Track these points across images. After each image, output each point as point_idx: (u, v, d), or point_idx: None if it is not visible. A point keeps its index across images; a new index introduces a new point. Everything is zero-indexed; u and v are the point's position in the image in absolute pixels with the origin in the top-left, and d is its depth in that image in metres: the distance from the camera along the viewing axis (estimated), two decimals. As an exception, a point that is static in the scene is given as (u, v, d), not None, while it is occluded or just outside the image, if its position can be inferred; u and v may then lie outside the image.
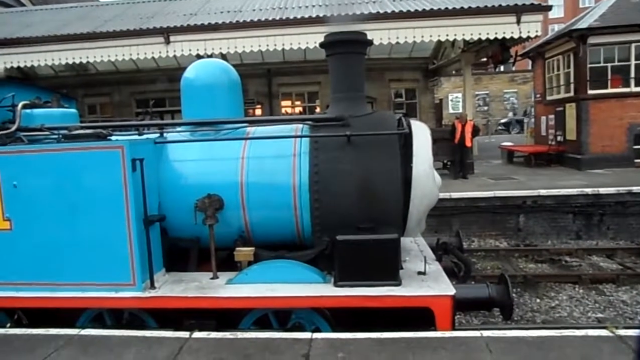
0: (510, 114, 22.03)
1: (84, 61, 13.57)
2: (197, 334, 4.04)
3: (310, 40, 12.13)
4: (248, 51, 12.69)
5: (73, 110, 5.93)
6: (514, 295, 4.78)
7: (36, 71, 16.72)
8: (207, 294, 4.22)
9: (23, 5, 20.19)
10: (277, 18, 12.38)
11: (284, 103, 19.13)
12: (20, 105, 5.13)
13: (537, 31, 12.01)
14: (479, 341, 3.69)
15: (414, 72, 19.06)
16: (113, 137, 4.69)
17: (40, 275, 4.44)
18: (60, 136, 4.78)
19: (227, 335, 4.00)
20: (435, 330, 4.01)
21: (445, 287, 4.17)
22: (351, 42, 4.67)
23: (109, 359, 3.73)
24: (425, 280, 4.36)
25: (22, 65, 13.83)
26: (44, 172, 4.36)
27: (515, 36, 12.05)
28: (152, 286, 4.34)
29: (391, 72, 18.38)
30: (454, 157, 13.78)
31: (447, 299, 4.02)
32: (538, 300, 7.40)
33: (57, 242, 4.38)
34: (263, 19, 12.45)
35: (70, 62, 13.49)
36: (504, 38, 12.27)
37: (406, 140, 4.62)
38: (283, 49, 12.78)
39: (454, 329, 4.06)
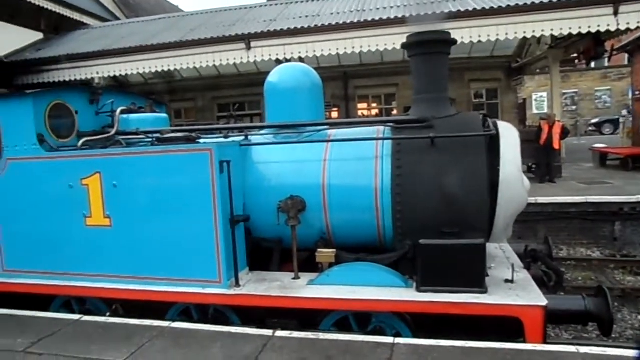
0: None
1: (171, 69, 14.38)
2: (280, 333, 4.12)
3: (388, 41, 12.02)
4: (326, 54, 12.81)
5: (164, 115, 6.30)
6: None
7: (128, 79, 17.97)
8: (290, 294, 4.29)
9: (118, 19, 21.79)
10: (355, 21, 12.38)
11: (360, 105, 19.11)
12: (118, 111, 5.54)
13: (638, 22, 11.02)
14: (576, 358, 3.45)
15: (496, 71, 18.28)
16: (202, 140, 4.91)
17: (135, 270, 4.75)
18: (154, 139, 5.09)
19: (309, 335, 4.04)
20: (524, 342, 3.80)
21: (536, 297, 3.95)
22: (435, 42, 4.56)
23: (198, 351, 3.89)
24: (513, 288, 4.15)
25: (117, 74, 14.93)
26: (140, 173, 4.65)
27: (612, 29, 11.11)
28: (237, 284, 4.48)
29: (471, 72, 17.76)
30: (540, 160, 13.03)
31: (539, 309, 3.80)
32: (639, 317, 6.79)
33: (151, 239, 4.66)
34: (341, 22, 12.50)
35: (159, 69, 14.35)
36: (598, 32, 11.37)
37: (493, 142, 4.44)
38: (360, 52, 12.76)
39: (545, 342, 3.83)
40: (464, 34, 11.35)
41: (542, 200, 10.22)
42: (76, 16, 18.91)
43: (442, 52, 4.64)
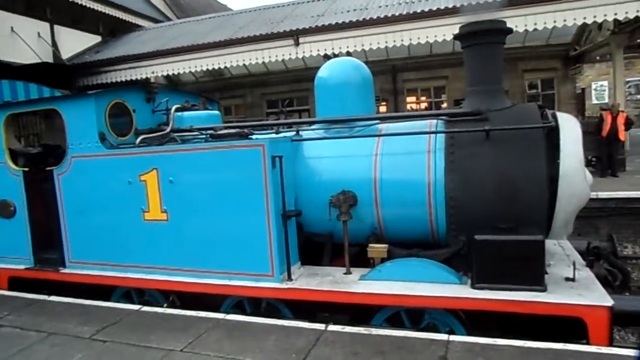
0: None
1: (222, 66, 14.70)
2: (332, 327, 4.13)
3: (438, 33, 11.77)
4: (374, 48, 12.69)
5: (216, 112, 6.45)
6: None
7: (180, 78, 18.51)
8: (342, 289, 4.28)
9: (170, 19, 22.48)
10: (404, 13, 12.18)
11: (409, 99, 18.83)
12: (173, 108, 5.71)
13: None
14: (645, 361, 3.25)
15: (552, 61, 17.49)
16: (254, 136, 4.99)
17: (191, 263, 4.89)
18: (208, 136, 5.22)
19: (362, 330, 4.03)
20: (587, 345, 3.62)
21: (600, 297, 3.75)
22: (490, 31, 4.40)
23: (252, 343, 3.97)
24: (574, 287, 3.97)
25: (170, 73, 15.41)
26: (195, 169, 4.78)
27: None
28: (289, 278, 4.53)
29: (525, 62, 17.08)
30: (601, 152, 12.38)
31: (604, 310, 3.60)
32: None
33: (205, 233, 4.78)
34: (390, 14, 12.34)
35: (210, 68, 14.70)
36: (668, 14, 10.65)
37: (552, 135, 4.25)
38: (409, 44, 12.55)
39: (611, 345, 3.64)
40: (518, 22, 10.91)
41: (603, 195, 9.71)
42: (131, 19, 19.70)
43: (497, 42, 4.48)
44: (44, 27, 15.92)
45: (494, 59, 4.53)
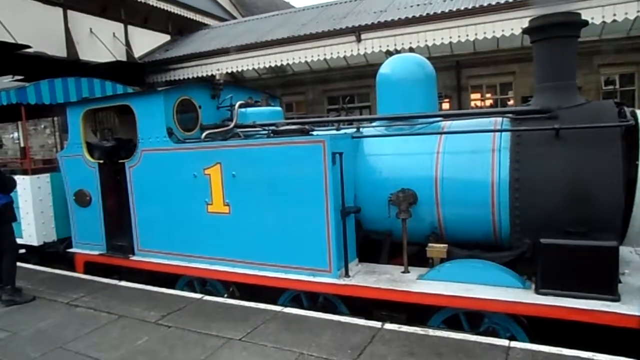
0: None
1: (284, 63, 14.91)
2: (388, 325, 4.11)
3: (505, 27, 11.29)
4: (438, 44, 12.38)
5: (278, 108, 6.56)
6: None
7: (244, 75, 18.96)
8: (399, 287, 4.24)
9: (235, 18, 23.09)
10: (470, 7, 11.80)
11: (473, 96, 18.23)
12: (237, 105, 5.87)
13: None
14: None
15: (633, 54, 16.25)
16: (315, 132, 5.03)
17: (251, 255, 5.02)
18: (270, 131, 5.32)
19: (419, 330, 3.97)
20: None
21: (680, 310, 3.48)
22: (563, 24, 4.18)
23: (308, 337, 4.02)
24: (651, 298, 3.70)
25: (234, 70, 15.83)
26: (257, 164, 4.89)
27: None
28: (347, 274, 4.54)
29: (601, 56, 16.00)
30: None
31: (684, 324, 3.34)
32: None
33: (266, 227, 4.89)
34: (454, 9, 11.99)
35: (272, 65, 14.96)
36: None
37: (631, 134, 3.98)
38: (475, 39, 12.15)
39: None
40: (594, 13, 10.26)
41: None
42: (198, 18, 20.42)
43: (570, 36, 4.25)
44: (118, 27, 16.84)
45: (567, 54, 4.30)
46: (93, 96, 7.10)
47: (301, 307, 4.88)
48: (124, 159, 5.91)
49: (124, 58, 16.60)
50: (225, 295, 5.36)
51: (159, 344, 4.11)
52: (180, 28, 19.98)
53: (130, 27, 17.35)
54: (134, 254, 5.94)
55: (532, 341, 3.87)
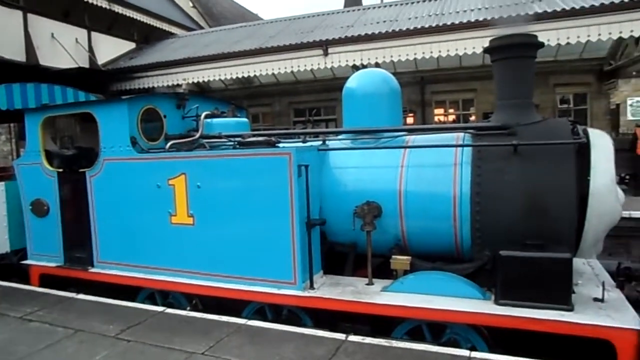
0: None
1: (251, 75, 14.93)
2: (352, 337, 4.12)
3: (467, 45, 11.68)
4: (403, 60, 12.68)
5: (245, 120, 6.54)
6: None
7: (210, 85, 18.83)
8: (363, 299, 4.27)
9: (202, 28, 22.96)
10: (434, 25, 12.16)
11: (437, 111, 18.68)
12: (202, 115, 5.83)
13: None
14: (677, 388, 3.15)
15: (585, 75, 17.10)
16: (281, 145, 5.04)
17: (215, 267, 4.96)
18: (236, 143, 5.30)
19: (382, 342, 4.01)
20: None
21: (631, 319, 3.63)
22: (521, 45, 4.36)
23: (272, 350, 3.98)
24: (603, 308, 3.86)
25: (200, 80, 15.71)
26: (222, 175, 4.86)
27: None
28: (312, 286, 4.55)
29: (557, 76, 16.75)
30: (635, 170, 12.04)
31: (634, 333, 3.50)
32: None
33: (230, 239, 4.85)
34: (419, 26, 12.33)
35: (240, 76, 14.94)
36: None
37: (583, 151, 4.17)
38: (439, 56, 12.50)
39: (640, 370, 3.53)
40: (550, 36, 10.77)
41: (637, 214, 9.44)
42: (164, 26, 20.21)
43: (528, 56, 4.43)
44: (81, 33, 16.46)
45: (525, 73, 4.49)
46: (53, 103, 6.90)
47: (265, 319, 4.84)
48: (84, 168, 5.75)
49: (86, 65, 16.22)
50: (188, 308, 5.26)
51: (118, 359, 3.99)
52: (146, 36, 19.72)
53: (93, 33, 17.00)
54: (93, 266, 5.77)
55: (491, 351, 3.96)
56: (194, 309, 5.25)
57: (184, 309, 5.23)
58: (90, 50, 16.79)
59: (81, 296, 5.66)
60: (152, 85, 16.08)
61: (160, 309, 5.13)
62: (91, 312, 5.09)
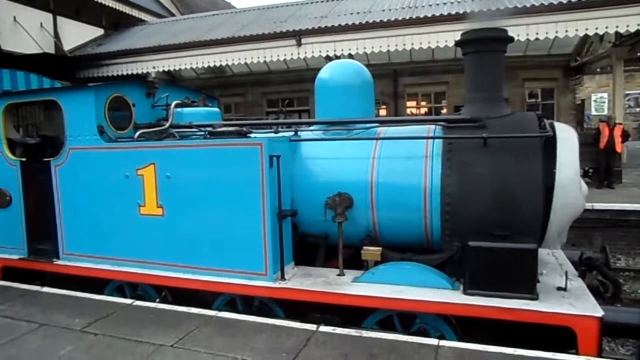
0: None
1: (223, 64, 14.72)
2: (323, 328, 4.14)
3: (440, 39, 11.81)
4: (376, 52, 12.72)
5: (216, 109, 6.45)
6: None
7: (181, 74, 18.50)
8: (334, 290, 4.29)
9: (173, 15, 22.49)
10: (407, 17, 12.22)
11: (409, 104, 18.86)
12: (172, 104, 5.72)
13: None
14: (633, 372, 3.27)
15: (553, 70, 17.54)
16: (252, 135, 4.99)
17: (185, 259, 4.89)
18: (206, 133, 5.22)
19: (352, 332, 4.04)
20: (576, 354, 3.64)
21: (591, 307, 3.77)
22: (492, 39, 4.42)
23: (242, 341, 3.97)
24: (565, 297, 3.99)
25: (170, 68, 15.41)
26: (192, 165, 4.78)
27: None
28: (283, 277, 4.54)
29: (526, 71, 17.11)
30: (598, 164, 12.44)
31: (594, 320, 3.62)
32: None
33: (201, 230, 4.78)
34: (392, 19, 12.37)
35: (211, 65, 14.71)
36: (668, 28, 10.70)
37: (549, 144, 4.27)
38: (411, 49, 12.59)
39: (600, 356, 3.66)
40: (520, 31, 10.96)
41: (599, 206, 9.77)
42: (135, 13, 19.70)
43: (497, 50, 4.50)
44: (46, 17, 15.89)
45: (494, 67, 4.54)
46: (16, 89, 6.64)
47: (236, 311, 4.81)
48: (49, 157, 5.57)
49: (52, 50, 15.71)
50: (158, 300, 5.18)
51: (84, 354, 3.91)
52: (115, 22, 19.18)
53: (59, 18, 16.44)
54: (58, 258, 5.61)
55: (460, 340, 4.05)
56: (164, 301, 5.17)
57: (154, 301, 5.15)
58: (56, 35, 16.25)
59: (46, 289, 5.51)
60: (120, 73, 15.69)
61: (128, 301, 5.04)
62: (56, 306, 4.95)
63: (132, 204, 5.06)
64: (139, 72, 15.41)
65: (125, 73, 15.60)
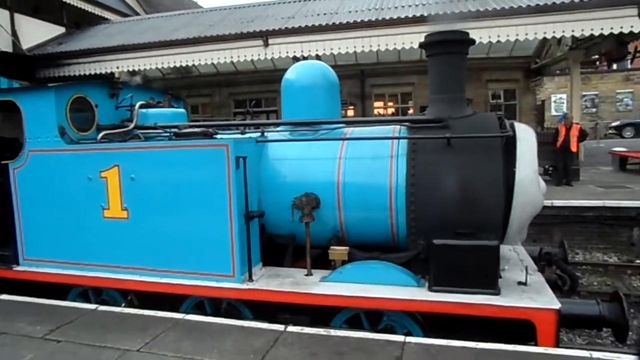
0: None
1: (189, 64, 14.52)
2: (291, 328, 4.15)
3: (406, 40, 11.97)
4: (343, 52, 12.80)
5: (182, 110, 6.38)
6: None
7: (147, 74, 18.15)
8: (302, 290, 4.32)
9: (138, 14, 22.04)
10: (373, 19, 12.35)
11: (376, 104, 19.07)
12: (137, 105, 5.62)
13: (663, 24, 10.79)
14: (589, 362, 3.42)
15: (514, 72, 18.09)
16: (218, 136, 4.97)
17: (151, 262, 4.82)
18: (172, 134, 5.16)
19: (321, 331, 4.07)
20: (536, 346, 3.78)
21: (549, 300, 3.92)
22: (454, 41, 4.54)
23: (210, 344, 3.94)
24: (526, 291, 4.13)
25: (135, 68, 15.09)
26: (157, 167, 4.72)
27: (636, 30, 10.87)
28: (250, 279, 4.53)
29: (489, 72, 17.59)
30: (557, 162, 12.87)
31: (552, 312, 3.77)
32: (655, 324, 6.70)
33: (167, 232, 4.73)
34: (359, 20, 12.47)
35: (177, 65, 14.50)
36: (621, 33, 11.16)
37: (509, 144, 4.41)
38: (378, 50, 12.73)
39: (557, 346, 3.80)
40: (482, 34, 11.24)
41: (558, 203, 10.11)
42: (97, 11, 19.21)
43: (460, 52, 4.61)
44: (3, 15, 15.33)
45: (457, 69, 4.66)
46: (-30, 90, 6.41)
47: (204, 314, 4.78)
48: (7, 160, 5.39)
49: (9, 49, 15.15)
50: (123, 305, 5.09)
51: (46, 361, 3.81)
52: (77, 21, 18.65)
53: (17, 16, 15.87)
54: (18, 263, 5.44)
55: (426, 336, 4.13)
56: (130, 305, 5.08)
57: (119, 306, 5.06)
58: (14, 33, 15.69)
59: (4, 296, 5.32)
60: (83, 72, 15.27)
61: (92, 306, 4.93)
62: (16, 313, 4.80)
63: (96, 207, 4.96)
64: (102, 72, 15.04)
65: (88, 73, 15.19)
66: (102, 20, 19.39)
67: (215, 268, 4.56)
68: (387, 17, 12.26)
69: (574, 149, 12.64)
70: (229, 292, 4.53)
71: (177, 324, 4.36)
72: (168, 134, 5.35)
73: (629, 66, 29.62)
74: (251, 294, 4.47)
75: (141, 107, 5.67)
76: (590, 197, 10.60)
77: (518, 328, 3.91)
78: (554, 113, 29.70)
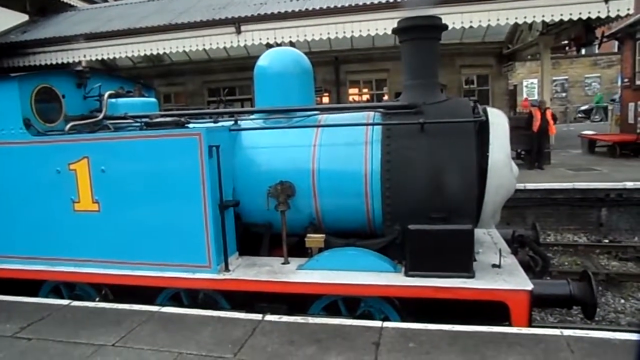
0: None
1: (160, 52, 14.21)
2: (269, 317, 4.15)
3: (379, 26, 11.94)
4: (317, 39, 12.71)
5: (153, 99, 6.23)
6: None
7: (117, 62, 17.70)
8: (279, 279, 4.30)
9: (106, 1, 21.41)
10: (347, 5, 12.27)
11: (351, 91, 19.04)
12: (106, 95, 5.47)
13: (628, 9, 11.01)
14: (560, 340, 3.51)
15: (487, 58, 18.28)
16: (191, 125, 4.87)
17: (124, 255, 4.73)
18: (143, 124, 5.04)
19: (298, 319, 4.07)
20: (509, 326, 3.86)
21: (522, 282, 4.00)
22: (426, 27, 4.52)
23: (187, 335, 3.91)
24: (500, 273, 4.21)
25: (105, 57, 14.71)
26: (128, 158, 4.61)
27: (603, 16, 11.10)
28: (227, 269, 4.49)
29: (462, 58, 17.73)
30: (530, 146, 13.12)
31: (524, 293, 3.86)
32: (622, 301, 6.93)
33: (140, 224, 4.64)
34: (332, 6, 12.38)
35: (148, 53, 14.18)
36: (589, 18, 11.37)
37: (482, 128, 4.45)
38: (352, 36, 12.67)
39: (530, 326, 3.90)
40: (455, 19, 11.30)
41: (530, 186, 10.31)
42: (62, -3, 18.58)
43: (432, 38, 4.60)
44: (-38, 2, 14.72)
45: (430, 54, 4.65)
46: None
47: (181, 305, 4.73)
48: (-31, 154, 5.19)
49: (-31, 38, 14.57)
50: (97, 299, 4.99)
51: (17, 360, 3.72)
52: (41, 8, 18.01)
53: (-23, 4, 15.26)
54: (-16, 260, 5.27)
55: (403, 320, 4.18)
56: (104, 299, 4.99)
57: (93, 300, 4.96)
58: (-26, 22, 15.08)
59: (-28, 294, 5.17)
60: (48, 62, 14.80)
61: (65, 302, 4.82)
62: (-16, 312, 4.67)
63: (66, 201, 4.83)
64: (69, 61, 14.60)
65: (54, 62, 14.73)
66: (67, 7, 18.78)
67: (191, 259, 4.51)
68: (361, 3, 12.18)
69: (552, 131, 12.90)
70: (205, 282, 4.49)
71: (152, 317, 4.31)
72: (139, 124, 5.22)
73: (597, 51, 30.27)
74: (228, 284, 4.44)
75: (110, 96, 5.51)
76: (560, 180, 10.85)
77: (493, 308, 3.99)
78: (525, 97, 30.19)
